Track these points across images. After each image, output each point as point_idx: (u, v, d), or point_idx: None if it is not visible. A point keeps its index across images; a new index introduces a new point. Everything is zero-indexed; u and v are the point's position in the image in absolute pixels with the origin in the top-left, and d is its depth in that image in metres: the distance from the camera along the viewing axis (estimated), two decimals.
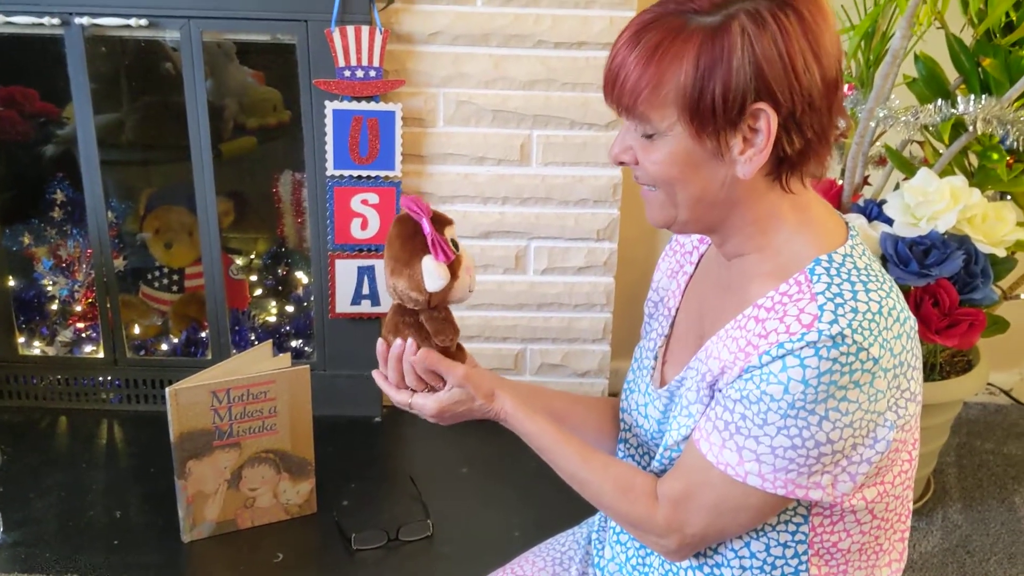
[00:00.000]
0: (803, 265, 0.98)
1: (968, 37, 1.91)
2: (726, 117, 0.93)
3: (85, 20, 1.91)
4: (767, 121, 0.92)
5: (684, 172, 0.97)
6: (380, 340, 1.15)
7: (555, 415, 1.19)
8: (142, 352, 2.26)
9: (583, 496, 1.12)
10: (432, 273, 1.08)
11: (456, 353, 1.16)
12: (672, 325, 1.19)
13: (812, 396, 0.92)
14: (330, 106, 1.98)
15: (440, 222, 1.11)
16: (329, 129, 1.99)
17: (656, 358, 1.18)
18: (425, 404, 1.14)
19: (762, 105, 0.92)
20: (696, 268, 1.18)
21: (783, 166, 0.97)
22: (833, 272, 0.96)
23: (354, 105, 1.98)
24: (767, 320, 0.96)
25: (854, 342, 0.91)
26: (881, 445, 0.96)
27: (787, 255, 1.00)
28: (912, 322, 0.98)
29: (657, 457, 1.10)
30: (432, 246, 1.09)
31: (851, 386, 0.92)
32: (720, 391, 1.00)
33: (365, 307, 2.15)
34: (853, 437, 0.94)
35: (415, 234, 1.09)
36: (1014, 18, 1.82)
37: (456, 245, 1.12)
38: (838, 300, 0.93)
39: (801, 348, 0.91)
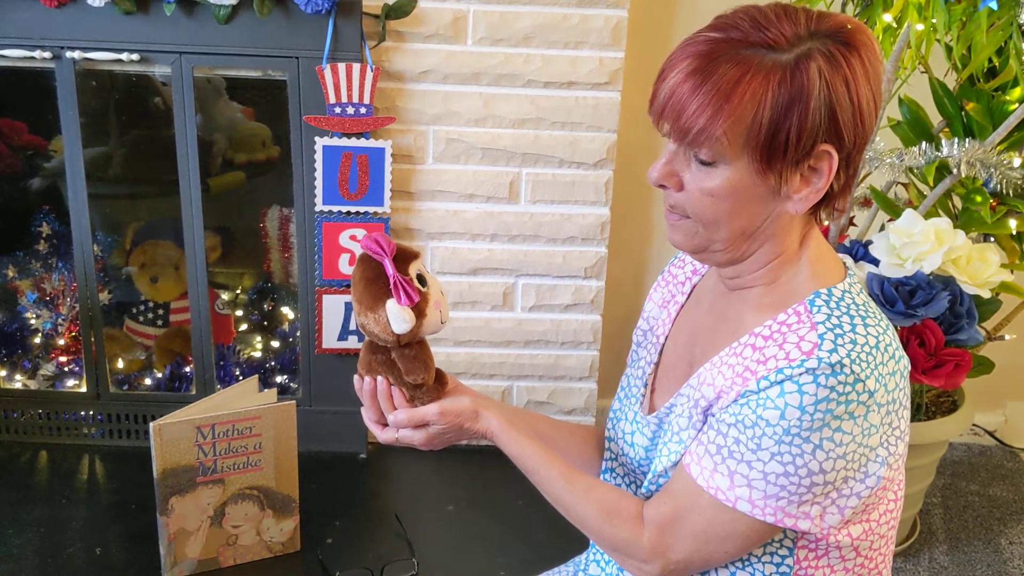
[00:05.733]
0: (802, 296, 0.99)
1: (952, 81, 1.95)
2: (795, 156, 0.93)
3: (76, 54, 1.92)
4: (829, 162, 0.94)
5: (735, 205, 0.97)
6: (356, 377, 1.15)
7: (539, 437, 1.19)
8: (125, 387, 2.24)
9: (567, 518, 1.11)
10: (397, 317, 1.07)
11: (434, 385, 1.15)
12: (660, 354, 1.19)
13: (808, 423, 0.92)
14: (320, 142, 1.98)
15: (404, 258, 1.09)
16: (319, 165, 2.00)
17: (645, 386, 1.19)
18: (412, 437, 1.14)
19: (828, 147, 0.93)
20: (688, 298, 1.19)
21: (823, 201, 0.99)
22: (833, 305, 0.97)
23: (344, 141, 1.99)
24: (765, 347, 0.97)
25: (852, 372, 0.92)
26: (871, 480, 0.97)
27: (788, 288, 1.02)
28: (906, 361, 0.99)
29: (645, 484, 1.10)
30: (395, 289, 1.07)
31: (846, 417, 0.92)
32: (714, 416, 1.00)
33: (351, 343, 2.14)
34: (845, 470, 0.94)
35: (378, 276, 1.08)
36: (996, 63, 1.85)
37: (423, 280, 1.11)
38: (838, 331, 0.94)
39: (800, 374, 0.92)
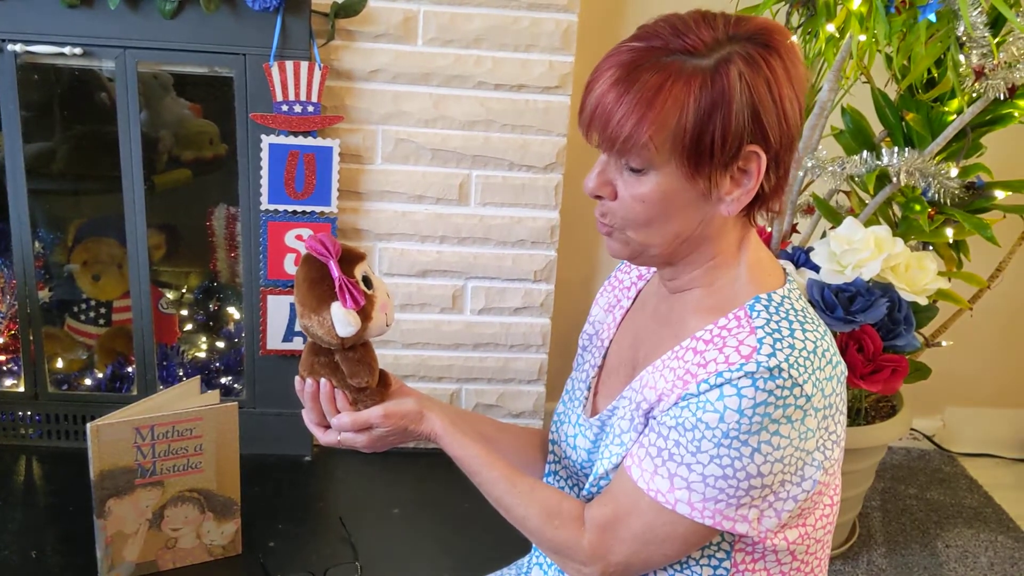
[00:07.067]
0: (742, 302, 1.00)
1: (893, 92, 1.98)
2: (722, 159, 0.94)
3: (18, 47, 1.88)
4: (758, 163, 0.95)
5: (668, 210, 0.98)
6: (297, 379, 1.14)
7: (483, 439, 1.19)
8: (65, 387, 2.20)
9: (509, 520, 1.11)
10: (342, 320, 1.06)
11: (378, 387, 1.14)
12: (605, 357, 1.19)
13: (746, 427, 0.93)
14: (266, 140, 1.96)
15: (350, 260, 1.08)
16: (265, 163, 1.98)
17: (589, 389, 1.19)
18: (355, 440, 1.13)
19: (755, 147, 0.94)
20: (633, 303, 1.20)
21: (755, 202, 1.00)
22: (772, 310, 0.98)
23: (291, 140, 1.97)
24: (706, 351, 0.97)
25: (790, 376, 0.93)
26: (808, 484, 0.98)
27: (728, 292, 1.03)
28: (842, 367, 1.01)
29: (587, 486, 1.10)
30: (340, 292, 1.06)
31: (783, 420, 0.94)
32: (655, 418, 1.01)
33: (297, 344, 2.12)
34: (782, 473, 0.96)
35: (323, 278, 1.07)
36: (935, 74, 1.89)
37: (369, 283, 1.09)
38: (776, 335, 0.95)
39: (739, 378, 0.93)
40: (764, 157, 0.95)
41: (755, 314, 0.98)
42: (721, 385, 0.94)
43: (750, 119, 0.93)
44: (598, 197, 1.02)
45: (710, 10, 0.98)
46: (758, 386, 0.92)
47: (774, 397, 0.92)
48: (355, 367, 1.11)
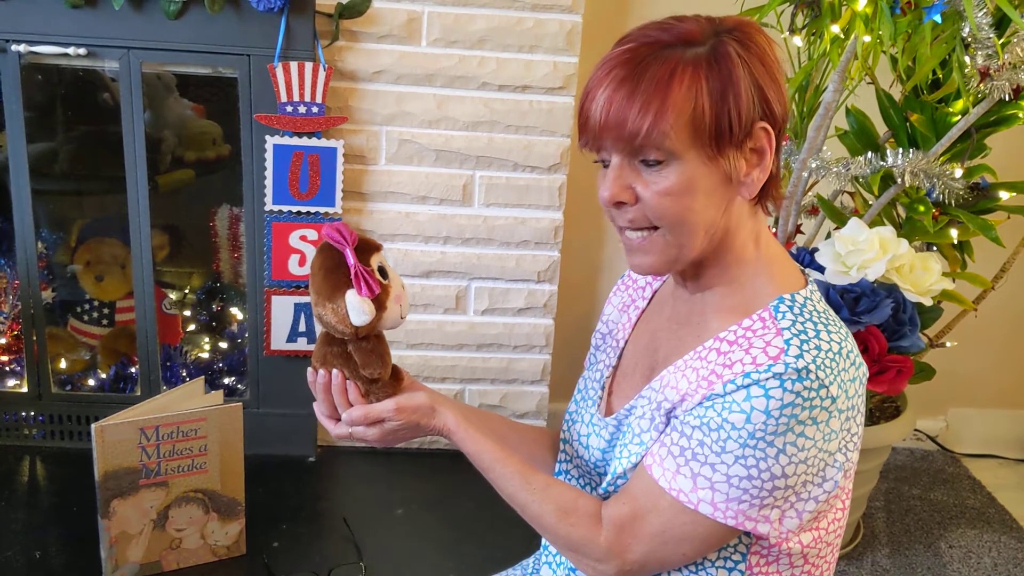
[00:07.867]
0: (766, 302, 1.00)
1: (897, 93, 1.98)
2: (739, 138, 0.96)
3: (22, 48, 1.88)
4: (768, 139, 0.97)
5: (694, 200, 0.97)
6: (309, 369, 1.14)
7: (494, 435, 1.18)
8: (68, 387, 2.20)
9: (523, 516, 1.11)
10: (356, 308, 1.05)
11: (390, 380, 1.14)
12: (620, 357, 1.19)
13: (773, 428, 0.93)
14: (270, 141, 1.96)
15: (366, 249, 1.07)
16: (269, 164, 1.98)
17: (603, 388, 1.19)
18: (366, 434, 1.13)
19: (764, 124, 0.96)
20: (648, 303, 1.19)
21: (764, 186, 1.01)
22: (796, 311, 0.98)
23: (295, 140, 1.97)
24: (731, 352, 0.97)
25: (817, 378, 0.93)
26: (828, 485, 0.98)
27: (750, 291, 1.03)
28: (864, 369, 1.01)
29: (603, 485, 1.10)
30: (356, 280, 1.05)
31: (809, 422, 0.94)
32: (677, 418, 1.00)
33: (301, 345, 2.12)
34: (805, 474, 0.96)
35: (338, 266, 1.06)
36: (940, 76, 1.89)
37: (385, 273, 1.09)
38: (803, 337, 0.95)
39: (767, 379, 0.93)
40: (773, 133, 0.97)
41: (780, 315, 0.98)
42: (748, 386, 0.93)
43: (757, 96, 0.95)
44: (618, 205, 1.00)
45: (684, 13, 1.00)
46: (786, 387, 0.92)
47: (801, 399, 0.92)
48: (368, 358, 1.10)
